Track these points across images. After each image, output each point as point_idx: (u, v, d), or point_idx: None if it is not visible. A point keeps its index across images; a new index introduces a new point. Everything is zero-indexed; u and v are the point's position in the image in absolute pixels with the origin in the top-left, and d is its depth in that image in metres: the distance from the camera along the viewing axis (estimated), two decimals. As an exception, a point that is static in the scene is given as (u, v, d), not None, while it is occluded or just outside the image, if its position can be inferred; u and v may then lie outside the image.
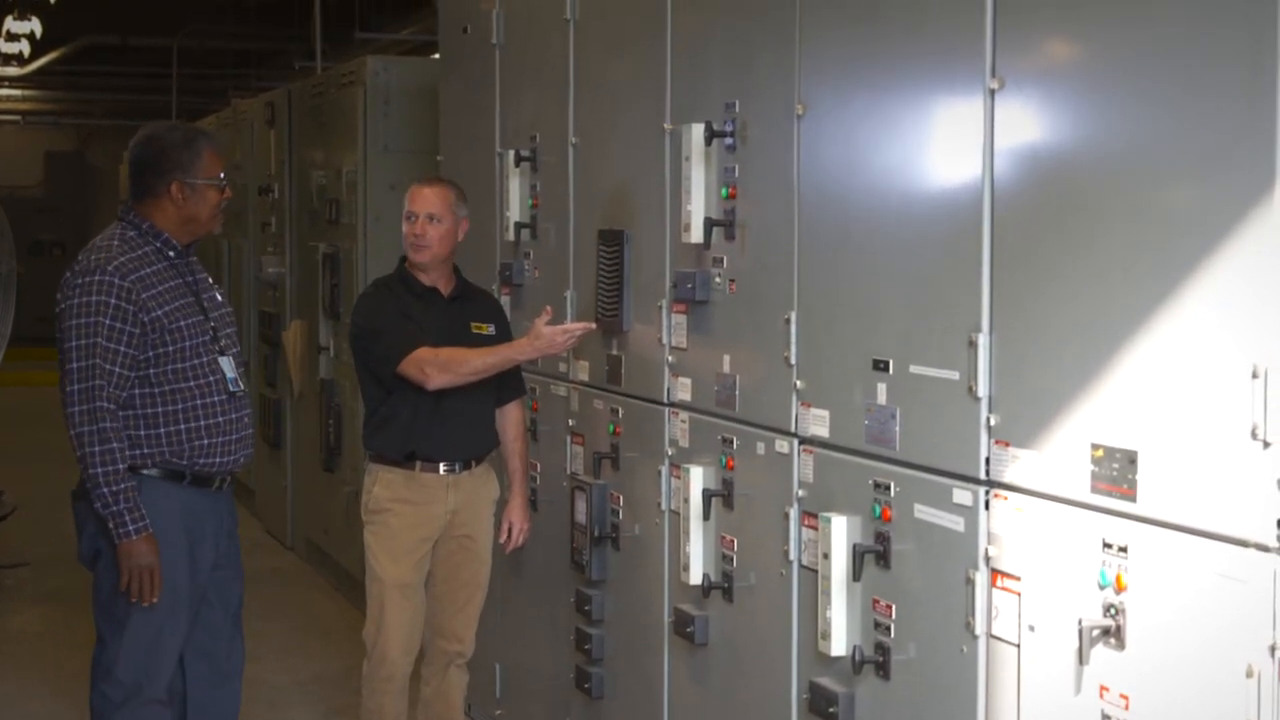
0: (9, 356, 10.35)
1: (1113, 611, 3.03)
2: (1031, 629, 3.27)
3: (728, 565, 4.51)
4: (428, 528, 5.61)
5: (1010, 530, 3.34)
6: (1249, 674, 2.71)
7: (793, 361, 4.16)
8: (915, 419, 3.66)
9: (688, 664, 4.79)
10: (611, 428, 5.32)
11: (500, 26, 6.28)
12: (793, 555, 4.15)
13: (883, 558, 3.75)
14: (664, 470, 4.90)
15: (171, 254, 4.94)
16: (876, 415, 3.78)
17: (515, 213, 6.09)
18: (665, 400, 4.92)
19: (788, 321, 4.17)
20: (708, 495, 4.57)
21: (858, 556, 3.79)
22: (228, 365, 4.96)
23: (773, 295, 4.25)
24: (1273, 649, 2.67)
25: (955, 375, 3.49)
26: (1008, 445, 3.35)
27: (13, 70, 22.44)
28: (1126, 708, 3.00)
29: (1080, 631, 3.07)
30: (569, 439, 5.70)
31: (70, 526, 4.93)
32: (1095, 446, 3.08)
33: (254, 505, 11.38)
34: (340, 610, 8.97)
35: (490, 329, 5.71)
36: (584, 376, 5.58)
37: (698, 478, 4.61)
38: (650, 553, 5.04)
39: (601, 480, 5.38)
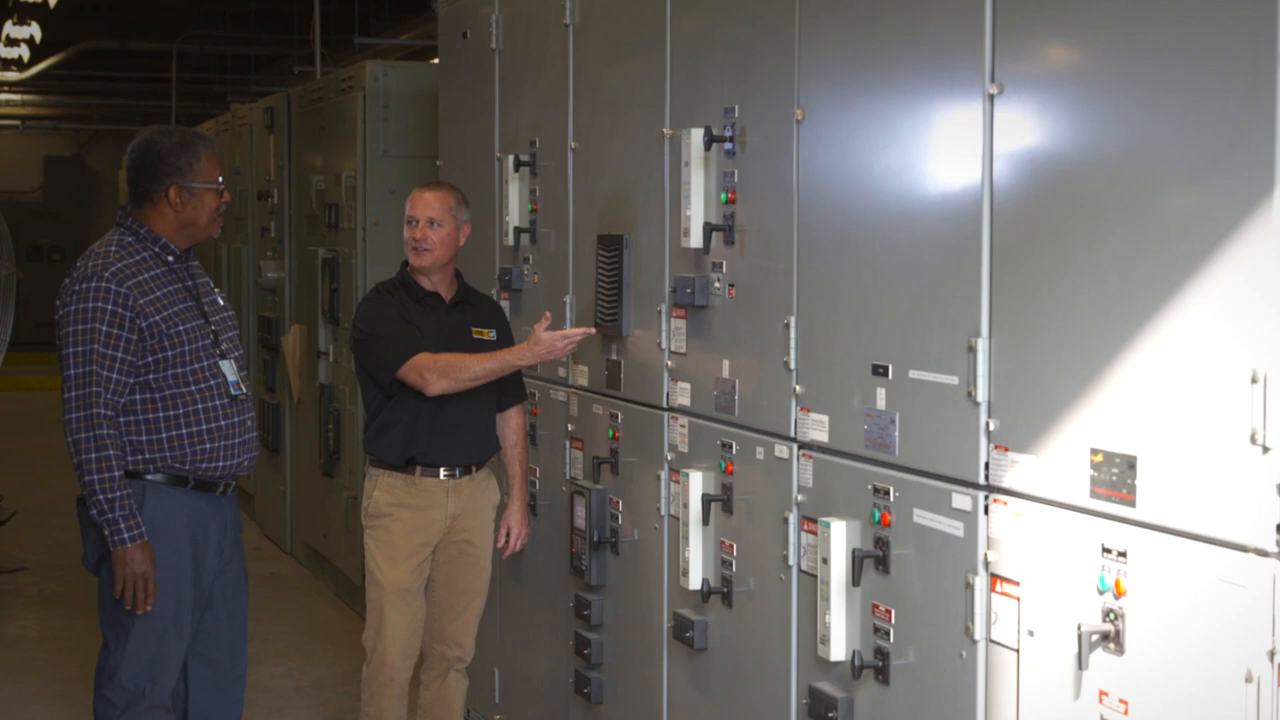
0: (8, 361, 10.35)
1: (1112, 616, 3.03)
2: (1031, 634, 3.27)
3: (727, 570, 4.51)
4: (428, 533, 5.61)
5: (1009, 535, 3.34)
6: (1248, 679, 2.71)
7: (792, 366, 4.16)
8: (915, 424, 3.66)
9: (687, 669, 4.79)
10: (611, 433, 5.32)
11: (499, 31, 6.28)
12: (792, 560, 4.15)
13: (882, 563, 3.75)
14: (663, 475, 4.90)
15: (170, 259, 4.94)
16: (876, 420, 3.78)
17: (514, 218, 6.09)
18: (664, 405, 4.92)
19: (787, 326, 4.17)
20: (707, 500, 4.57)
21: (857, 561, 3.79)
22: (229, 369, 4.96)
23: (772, 300, 4.26)
24: (1272, 654, 2.67)
25: (954, 380, 3.50)
26: (1007, 450, 3.35)
27: (12, 75, 22.43)
28: (1126, 712, 3.00)
29: (1080, 636, 3.07)
30: (568, 444, 5.70)
31: (69, 532, 4.93)
32: (1094, 451, 3.08)
33: (253, 510, 11.38)
34: (339, 615, 8.97)
35: (491, 334, 5.71)
36: (583, 381, 5.58)
37: (697, 483, 4.61)
38: (649, 558, 5.04)
39: (601, 485, 5.38)
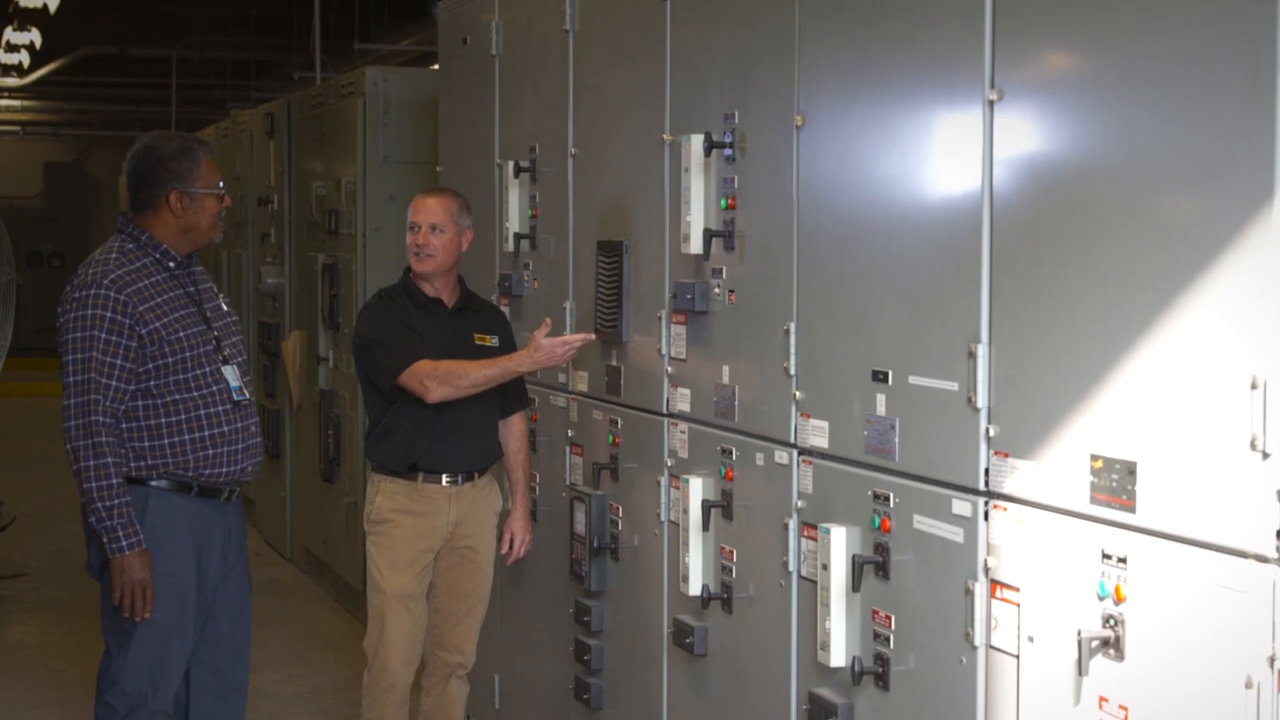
0: (8, 367, 10.37)
1: (1112, 622, 3.03)
2: (1031, 640, 3.27)
3: (727, 576, 4.51)
4: (430, 539, 5.61)
5: (1009, 541, 3.34)
6: (1248, 685, 2.70)
7: (792, 372, 4.16)
8: (914, 430, 3.66)
9: (687, 675, 4.78)
10: (611, 438, 5.32)
11: (499, 37, 6.28)
12: (792, 566, 4.15)
13: (882, 569, 3.75)
14: (663, 481, 4.90)
15: (172, 265, 4.94)
16: (876, 426, 3.78)
17: (514, 223, 6.09)
18: (664, 411, 4.92)
19: (787, 332, 4.17)
20: (707, 506, 4.57)
21: (857, 567, 3.79)
22: (231, 374, 4.95)
23: (772, 306, 4.26)
24: (1272, 660, 2.67)
25: (954, 386, 3.50)
26: (1007, 456, 3.35)
27: (12, 81, 22.44)
28: (1126, 719, 3.00)
29: (1079, 642, 3.07)
30: (568, 450, 5.70)
31: (69, 538, 4.95)
32: (1094, 457, 3.08)
33: (253, 515, 11.38)
34: (339, 621, 8.97)
35: (494, 340, 5.71)
36: (583, 387, 5.58)
37: (697, 488, 4.61)
38: (649, 564, 5.04)
39: (601, 491, 5.38)
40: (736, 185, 4.44)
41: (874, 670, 3.76)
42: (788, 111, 4.15)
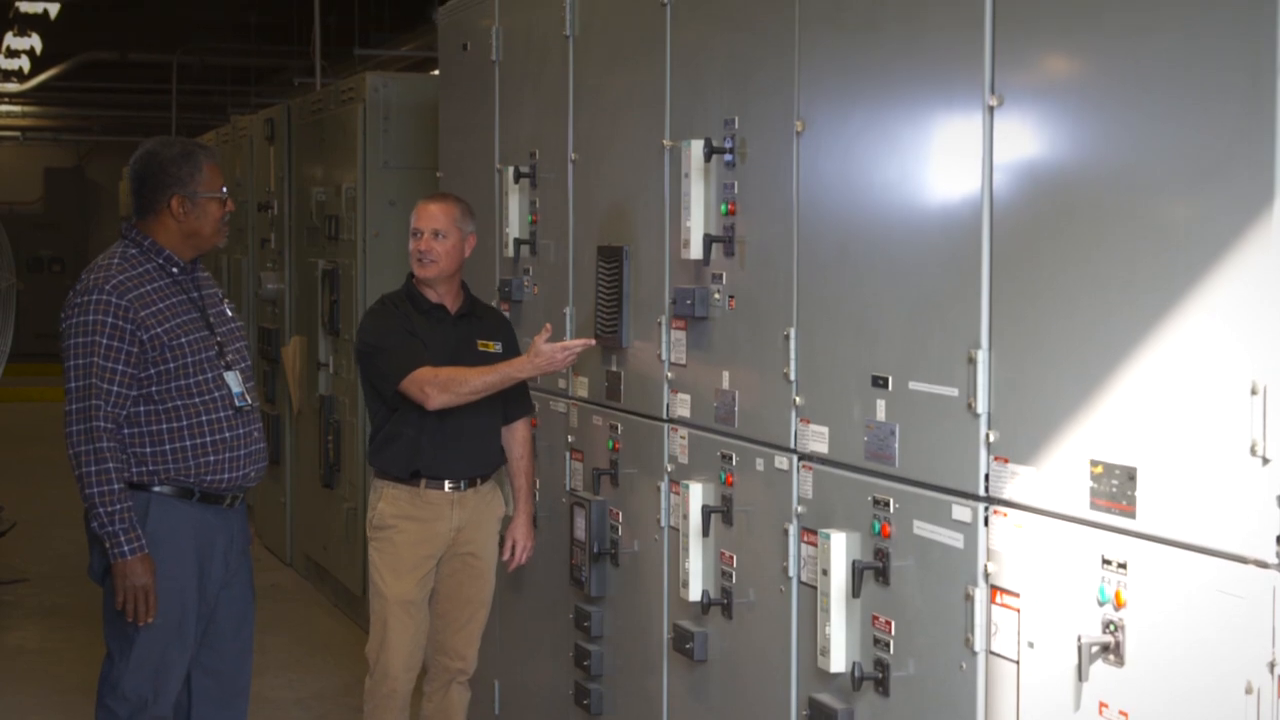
0: (8, 372, 10.36)
1: (1112, 628, 3.03)
2: (1031, 645, 3.27)
3: (727, 582, 4.51)
4: (432, 544, 5.60)
5: (1009, 547, 3.34)
6: (1248, 690, 2.70)
7: (792, 378, 4.16)
8: (914, 435, 3.66)
9: (687, 681, 4.78)
10: (611, 444, 5.32)
11: (499, 43, 6.29)
12: (792, 572, 4.15)
13: (882, 574, 3.75)
14: (663, 486, 4.90)
15: (175, 270, 4.94)
16: (876, 431, 3.78)
17: (514, 229, 6.09)
18: (664, 416, 4.92)
19: (787, 338, 4.17)
20: (707, 512, 4.57)
21: (857, 573, 3.79)
22: (234, 380, 4.95)
23: (772, 311, 4.26)
24: (1272, 665, 2.67)
25: (954, 392, 3.50)
26: (1007, 461, 3.35)
27: (12, 86, 22.45)
28: (1126, 724, 3.00)
29: (1080, 648, 3.07)
30: (568, 455, 5.70)
31: (69, 543, 4.95)
32: (1094, 463, 3.08)
33: (253, 520, 11.32)
34: (339, 626, 8.97)
35: (497, 347, 5.69)
36: (583, 393, 5.58)
37: (697, 494, 4.61)
38: (649, 569, 5.04)
39: (601, 497, 5.38)
40: (736, 190, 4.44)
41: (874, 676, 3.76)
42: (788, 116, 4.16)
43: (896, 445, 3.71)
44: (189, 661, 4.97)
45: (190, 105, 22.41)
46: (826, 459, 4.02)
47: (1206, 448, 2.82)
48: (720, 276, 4.54)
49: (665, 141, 4.85)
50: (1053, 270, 3.21)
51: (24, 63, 20.44)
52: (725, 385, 4.52)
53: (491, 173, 6.33)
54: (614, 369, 5.30)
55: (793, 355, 4.15)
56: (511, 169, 6.05)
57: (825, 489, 4.02)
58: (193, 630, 4.93)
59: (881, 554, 3.75)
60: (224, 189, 5.03)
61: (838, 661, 3.87)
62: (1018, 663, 3.31)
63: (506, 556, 5.78)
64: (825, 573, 3.88)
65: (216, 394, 4.90)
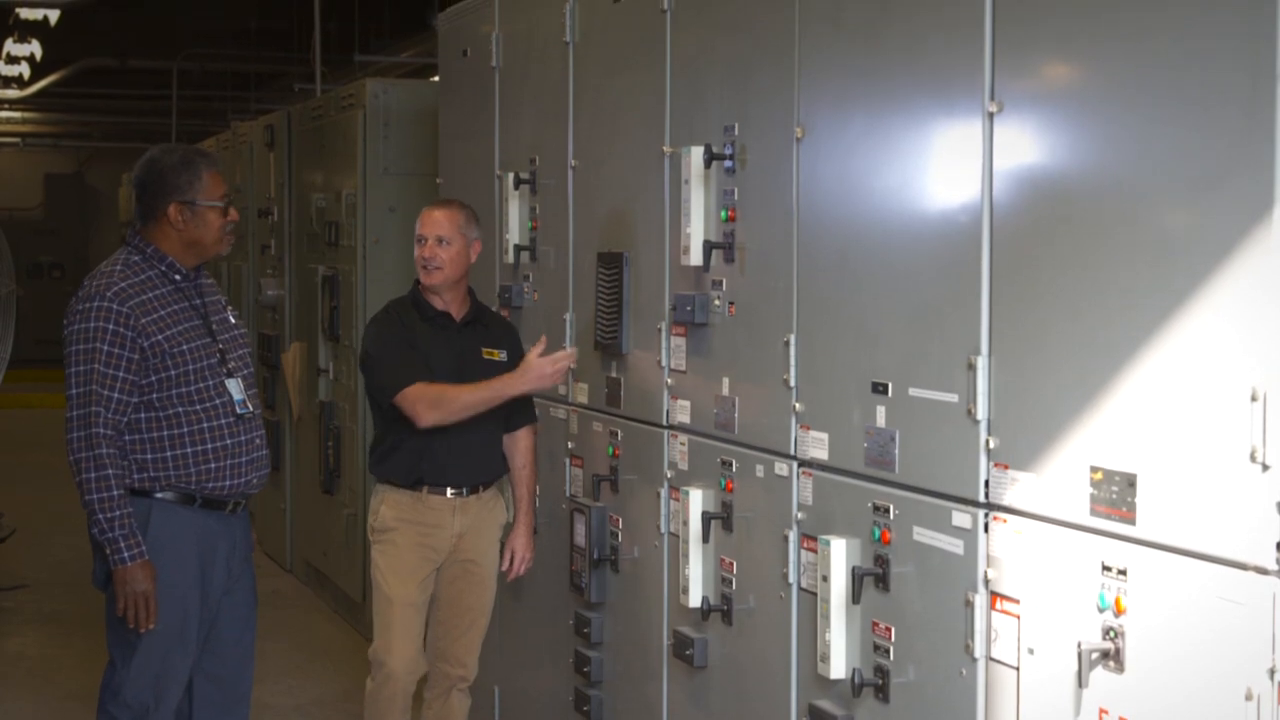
0: (8, 378, 10.36)
1: (1112, 634, 3.03)
2: (1031, 652, 3.27)
3: (727, 588, 4.51)
4: (433, 550, 5.59)
5: (1009, 553, 3.34)
6: (1248, 697, 2.70)
7: (792, 384, 4.16)
8: (914, 441, 3.66)
9: (687, 687, 4.78)
10: (610, 450, 5.32)
11: (499, 49, 6.29)
12: (792, 578, 4.15)
13: (882, 580, 3.75)
14: (663, 493, 4.90)
15: (178, 277, 4.94)
16: (876, 438, 3.78)
17: (514, 235, 6.09)
18: (664, 423, 4.92)
19: (787, 344, 4.17)
20: (707, 518, 4.57)
21: (857, 579, 3.79)
22: (235, 387, 4.95)
23: (772, 318, 4.26)
24: (1272, 672, 2.67)
25: (954, 398, 3.50)
26: (1007, 468, 3.35)
27: (13, 93, 22.44)
28: (1126, 731, 3.00)
29: (1080, 654, 3.07)
30: (568, 461, 5.70)
31: (69, 549, 4.95)
32: (1094, 469, 3.08)
33: (254, 527, 11.37)
34: (339, 632, 8.97)
35: (502, 355, 5.67)
36: (583, 399, 5.58)
37: (697, 500, 4.61)
38: (649, 575, 5.04)
39: (600, 503, 5.38)
40: (736, 197, 4.44)
41: (874, 682, 3.76)
42: (788, 123, 4.16)
43: (896, 451, 3.71)
44: (191, 668, 4.97)
45: (190, 111, 22.42)
46: (826, 465, 4.02)
47: (1206, 454, 2.82)
48: (720, 283, 4.54)
49: (665, 148, 4.86)
50: (1052, 276, 3.21)
51: (24, 69, 20.45)
52: (725, 391, 4.52)
53: (491, 179, 6.33)
54: (614, 375, 5.30)
55: (793, 361, 4.15)
56: (511, 175, 6.05)
57: (825, 495, 4.02)
58: (194, 636, 4.93)
59: (881, 560, 3.75)
60: (225, 197, 5.01)
61: (838, 668, 3.87)
62: (1018, 669, 3.30)
63: (505, 566, 5.77)
64: (825, 579, 3.88)
65: (218, 401, 4.90)
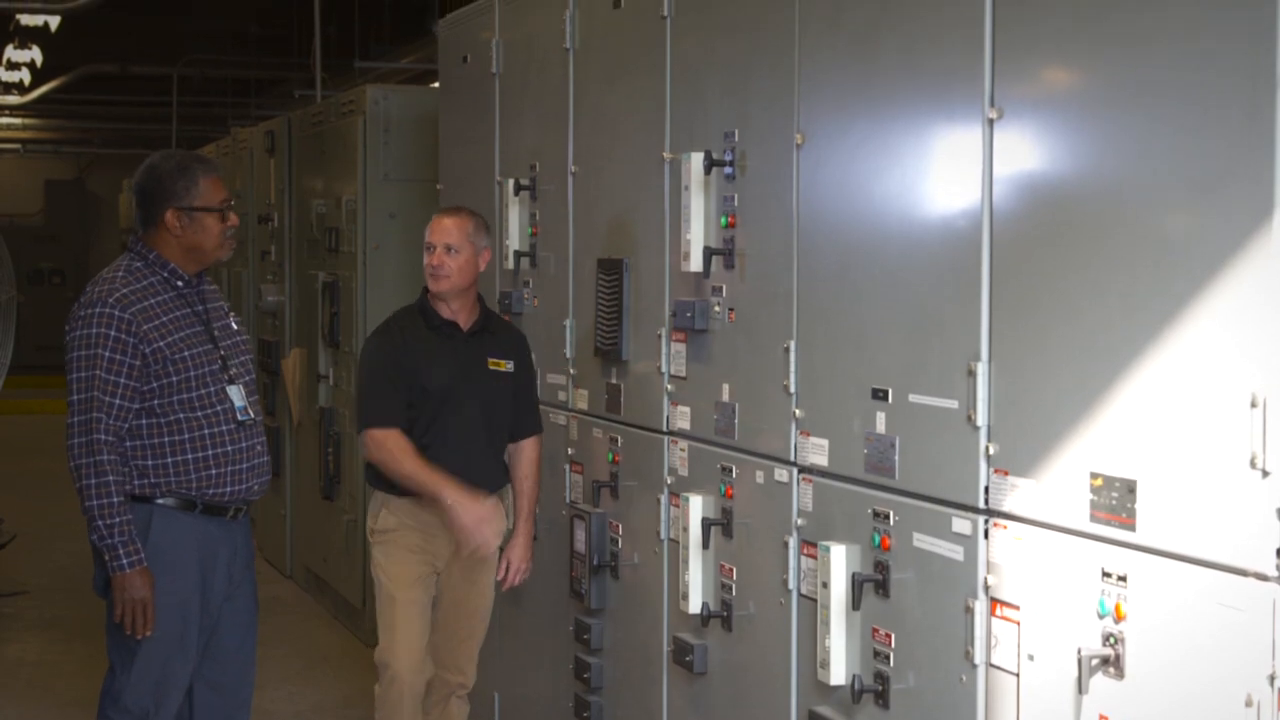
0: (9, 385, 10.36)
1: (1112, 641, 3.03)
2: (1031, 658, 3.27)
3: (727, 594, 4.50)
4: (433, 554, 5.58)
5: (1009, 559, 3.34)
6: (1248, 703, 2.70)
7: (792, 390, 4.16)
8: (914, 448, 3.66)
9: (686, 693, 4.78)
10: (610, 456, 5.31)
11: (500, 56, 6.29)
12: (792, 584, 4.15)
13: (882, 587, 3.75)
14: (663, 499, 4.90)
15: (180, 284, 4.94)
16: (876, 444, 3.78)
17: (515, 241, 6.10)
18: (664, 429, 4.92)
19: (787, 350, 4.17)
20: (707, 524, 4.57)
21: (857, 585, 3.79)
22: (236, 394, 4.94)
23: (772, 324, 4.26)
24: (1272, 678, 2.67)
25: (954, 404, 3.50)
26: (1007, 474, 3.35)
27: (13, 99, 22.45)
28: (1126, 737, 3.00)
29: (1080, 661, 3.07)
30: (568, 468, 5.70)
31: (69, 555, 4.95)
32: (1094, 475, 3.08)
33: (253, 533, 11.37)
34: (339, 639, 8.96)
35: (509, 365, 5.61)
36: (583, 405, 5.58)
37: (697, 506, 4.61)
38: (649, 581, 5.04)
39: (600, 509, 5.38)
40: (736, 203, 4.44)
41: (874, 688, 3.76)
42: (788, 129, 4.16)
43: (896, 458, 3.71)
44: (191, 674, 4.96)
45: (191, 117, 22.43)
46: (826, 471, 4.02)
47: (1206, 460, 2.82)
48: (720, 289, 4.54)
49: (665, 154, 4.86)
50: (1053, 282, 3.21)
51: (25, 75, 20.45)
52: (725, 398, 4.52)
53: (492, 185, 6.34)
54: (614, 381, 5.30)
55: (793, 368, 4.15)
56: (512, 181, 6.05)
57: (825, 501, 4.02)
58: (195, 643, 4.93)
59: (881, 566, 3.75)
60: (224, 202, 5.00)
61: (838, 674, 3.87)
62: (1018, 675, 3.30)
63: (500, 576, 5.72)
64: (825, 585, 3.88)
65: (219, 408, 4.89)
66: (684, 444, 4.79)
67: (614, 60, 5.35)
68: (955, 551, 3.49)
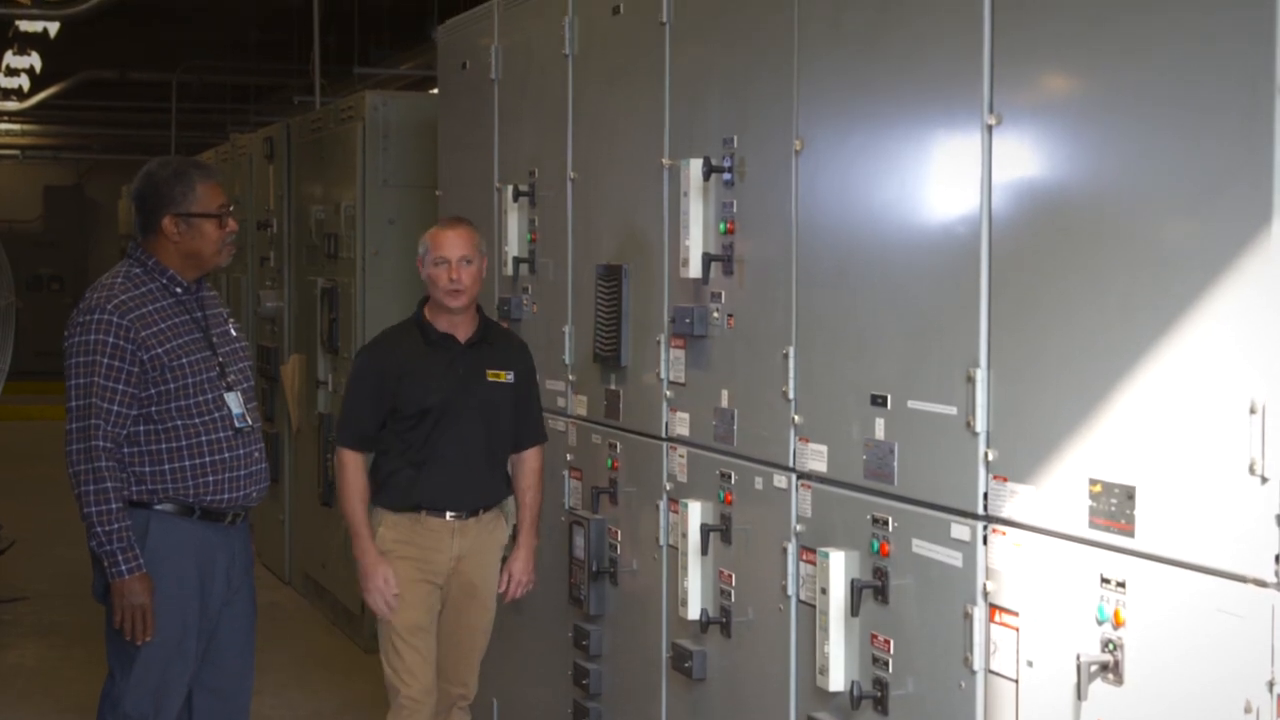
0: (8, 390, 10.34)
1: (1111, 647, 3.03)
2: (1030, 664, 3.26)
3: (726, 600, 4.50)
4: (433, 572, 5.52)
5: (1008, 565, 3.34)
6: (1247, 709, 2.70)
7: (791, 396, 4.16)
8: (913, 454, 3.66)
9: (685, 699, 4.78)
10: (610, 462, 5.31)
11: (499, 62, 6.30)
12: (791, 590, 4.15)
13: (881, 593, 3.75)
14: (662, 505, 4.90)
15: (179, 290, 4.94)
16: (875, 450, 3.78)
17: (514, 247, 6.09)
18: (663, 435, 4.92)
19: (786, 356, 4.17)
20: (706, 530, 4.57)
21: (856, 592, 3.79)
22: (234, 401, 4.94)
23: (771, 330, 4.26)
24: (1271, 684, 2.67)
25: (953, 410, 3.50)
26: (1006, 480, 3.35)
27: (12, 105, 22.46)
28: (1125, 743, 3.00)
29: (1078, 667, 3.07)
30: (567, 474, 5.69)
31: (68, 561, 4.95)
32: (1093, 481, 3.08)
33: (253, 539, 11.35)
34: (337, 645, 8.96)
35: (509, 376, 5.53)
36: (582, 411, 5.58)
37: (696, 513, 4.61)
38: (648, 588, 5.04)
39: (600, 515, 5.38)
40: (735, 209, 4.44)
41: (873, 695, 3.75)
42: (787, 136, 4.16)
43: (895, 464, 3.71)
44: (190, 679, 4.96)
45: (190, 124, 22.43)
46: (825, 478, 4.02)
47: (1205, 466, 2.82)
48: (719, 295, 4.54)
49: (664, 160, 4.86)
50: (1052, 289, 3.21)
51: (24, 81, 20.46)
52: (724, 404, 4.52)
53: (491, 191, 6.34)
54: (613, 387, 5.30)
55: (791, 374, 4.15)
56: (511, 187, 6.05)
57: (824, 508, 4.01)
58: (194, 648, 4.93)
59: (880, 573, 3.75)
60: (223, 208, 4.99)
61: (837, 680, 3.86)
62: (1017, 682, 3.30)
63: (501, 588, 5.68)
64: (824, 591, 3.88)
65: (217, 414, 4.89)
66: (683, 450, 4.79)
67: (613, 66, 5.35)
68: (954, 558, 3.49)
